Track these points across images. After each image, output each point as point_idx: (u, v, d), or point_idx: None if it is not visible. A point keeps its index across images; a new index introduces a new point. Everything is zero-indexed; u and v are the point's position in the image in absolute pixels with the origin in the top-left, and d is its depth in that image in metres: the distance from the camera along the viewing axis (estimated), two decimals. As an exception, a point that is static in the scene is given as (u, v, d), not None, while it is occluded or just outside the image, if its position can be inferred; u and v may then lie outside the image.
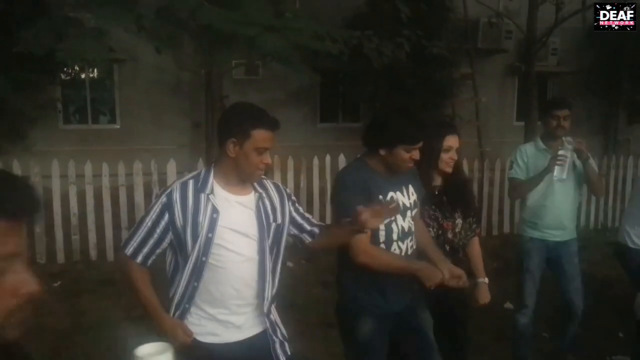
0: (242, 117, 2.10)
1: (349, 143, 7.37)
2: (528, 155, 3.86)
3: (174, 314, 2.21)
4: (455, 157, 2.90)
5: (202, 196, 2.10)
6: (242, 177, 2.16)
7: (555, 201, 3.79)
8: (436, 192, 2.95)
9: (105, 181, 6.26)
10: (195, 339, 2.16)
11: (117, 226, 6.32)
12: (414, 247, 2.67)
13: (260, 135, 2.07)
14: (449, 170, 2.91)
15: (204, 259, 2.09)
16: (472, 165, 7.69)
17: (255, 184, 2.22)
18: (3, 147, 8.94)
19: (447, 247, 2.93)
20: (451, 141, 2.89)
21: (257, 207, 2.18)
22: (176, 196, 2.10)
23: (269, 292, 2.22)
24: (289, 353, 2.28)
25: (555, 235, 3.85)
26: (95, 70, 10.82)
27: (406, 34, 8.81)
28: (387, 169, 2.57)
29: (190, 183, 2.13)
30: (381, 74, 10.10)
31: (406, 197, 2.63)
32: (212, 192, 2.12)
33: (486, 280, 3.14)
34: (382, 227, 2.49)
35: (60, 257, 6.20)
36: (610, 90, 13.55)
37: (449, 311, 2.97)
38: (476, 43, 12.22)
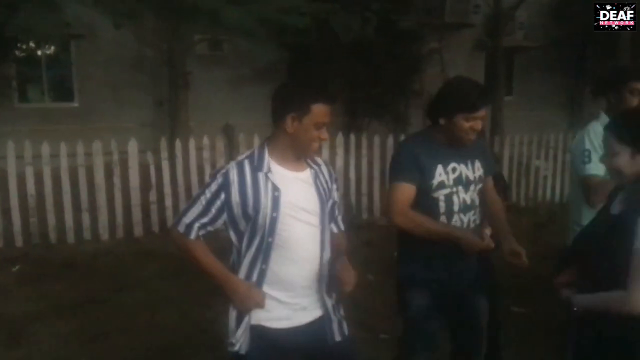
0: (301, 91, 2.08)
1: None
2: (599, 139, 2.77)
3: None
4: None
5: (260, 175, 2.05)
6: (298, 152, 2.12)
7: None
8: None
9: (64, 162, 6.03)
10: (261, 325, 2.10)
11: (77, 208, 6.11)
12: (477, 221, 2.64)
13: (320, 110, 2.04)
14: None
15: (270, 239, 2.05)
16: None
17: (309, 160, 2.19)
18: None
19: None
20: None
21: (315, 183, 2.16)
22: (233, 176, 2.05)
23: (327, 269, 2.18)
24: (346, 333, 2.23)
25: None
26: (52, 46, 10.44)
27: (374, 8, 8.69)
28: (447, 139, 2.53)
29: (246, 163, 2.08)
30: (349, 50, 9.98)
31: (470, 170, 2.59)
32: (269, 170, 2.07)
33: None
34: (442, 198, 2.50)
35: (19, 241, 5.98)
36: (576, 64, 13.68)
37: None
38: (444, 18, 12.17)
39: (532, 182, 8.30)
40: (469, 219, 2.58)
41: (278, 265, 2.07)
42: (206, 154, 6.47)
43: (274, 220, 2.03)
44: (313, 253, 2.12)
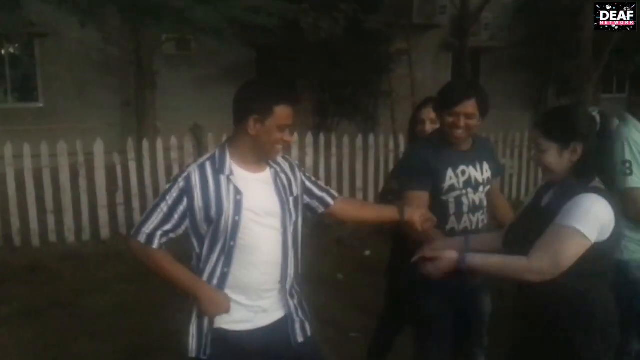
0: (264, 93, 2.05)
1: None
2: (638, 145, 2.70)
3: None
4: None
5: (222, 178, 2.02)
6: (261, 155, 2.09)
7: None
8: None
9: (28, 162, 5.90)
10: (222, 329, 2.08)
11: (41, 210, 5.99)
12: (485, 221, 2.71)
13: (283, 112, 2.02)
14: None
15: (232, 243, 2.02)
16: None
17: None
18: None
19: None
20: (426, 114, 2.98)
21: (275, 182, 2.13)
22: (195, 179, 2.01)
23: (291, 270, 2.15)
24: (309, 333, 2.22)
25: None
26: (15, 45, 10.21)
27: (343, 8, 8.72)
28: (447, 139, 2.58)
29: (208, 165, 2.04)
30: (318, 50, 9.99)
31: (479, 172, 2.65)
32: (231, 172, 2.04)
33: None
34: (452, 200, 2.57)
35: (-19, 245, 5.84)
36: (540, 64, 13.94)
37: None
38: (411, 18, 12.27)
39: (498, 180, 8.41)
40: (478, 219, 2.66)
41: (239, 269, 2.05)
42: (174, 155, 6.41)
43: (236, 224, 2.00)
44: (274, 256, 2.10)
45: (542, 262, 1.85)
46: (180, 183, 2.01)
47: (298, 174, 2.26)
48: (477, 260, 2.02)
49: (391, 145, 7.60)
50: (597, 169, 1.95)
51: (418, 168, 2.56)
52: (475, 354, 2.96)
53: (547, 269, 1.84)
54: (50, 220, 6.01)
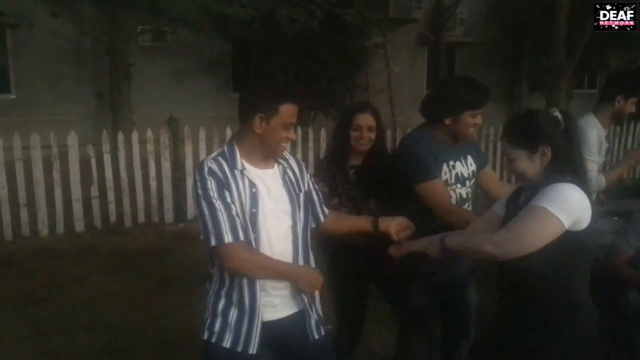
0: (269, 92, 2.05)
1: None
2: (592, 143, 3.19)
3: (217, 301, 2.11)
4: (367, 137, 2.80)
5: (237, 172, 2.03)
6: (266, 152, 2.10)
7: None
8: (352, 172, 2.89)
9: (0, 155, 5.80)
10: (267, 322, 2.11)
11: (14, 203, 5.90)
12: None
13: (288, 110, 2.03)
14: (363, 149, 2.83)
15: (253, 236, 2.02)
16: (385, 135, 7.76)
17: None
18: None
19: None
20: (361, 120, 2.80)
21: (284, 179, 2.15)
22: (217, 170, 1.99)
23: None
24: (323, 332, 2.22)
25: None
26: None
27: (318, 1, 8.71)
28: (451, 137, 2.64)
29: (221, 159, 2.04)
30: (294, 43, 9.98)
31: (465, 167, 2.73)
32: (243, 167, 2.05)
33: None
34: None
35: (-48, 238, 5.74)
36: (514, 59, 14.12)
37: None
38: (387, 12, 12.33)
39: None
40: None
41: None
42: (150, 147, 6.37)
43: (254, 217, 2.01)
44: (283, 251, 2.10)
45: (502, 237, 1.86)
46: (209, 178, 1.97)
47: (305, 174, 2.27)
48: (452, 240, 2.07)
49: (367, 138, 7.64)
50: (570, 166, 1.96)
51: (429, 158, 2.60)
52: (461, 346, 2.98)
53: (505, 244, 1.83)
54: (24, 213, 5.92)
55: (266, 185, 2.08)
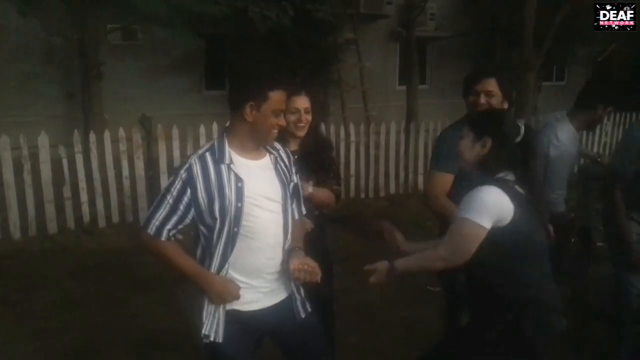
0: (258, 79, 2.09)
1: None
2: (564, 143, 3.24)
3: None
4: (305, 120, 2.77)
5: (223, 167, 2.08)
6: (258, 140, 2.15)
7: None
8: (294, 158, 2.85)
9: (-32, 157, 5.70)
10: (234, 310, 2.17)
11: (-15, 206, 5.81)
12: None
13: (277, 97, 2.08)
14: (301, 133, 2.80)
15: (235, 229, 2.08)
16: (358, 129, 7.82)
17: (268, 146, 2.22)
18: None
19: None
20: (297, 102, 2.75)
21: (276, 168, 2.21)
22: (197, 170, 2.07)
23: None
24: (309, 310, 2.33)
25: None
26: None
27: (291, -2, 8.72)
28: None
29: (208, 155, 2.10)
30: (267, 40, 9.96)
31: None
32: (231, 161, 2.09)
33: None
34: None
35: None
36: (485, 53, 14.27)
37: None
38: (359, 8, 12.38)
39: None
40: None
41: (246, 254, 2.13)
42: (122, 146, 6.31)
43: (239, 211, 2.07)
44: (277, 239, 2.18)
45: (445, 251, 2.10)
46: (183, 175, 2.07)
47: (292, 167, 2.33)
48: (402, 263, 2.21)
49: (342, 133, 7.69)
50: (507, 165, 2.12)
51: (446, 151, 2.73)
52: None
53: (450, 256, 2.08)
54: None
55: (256, 176, 2.13)
